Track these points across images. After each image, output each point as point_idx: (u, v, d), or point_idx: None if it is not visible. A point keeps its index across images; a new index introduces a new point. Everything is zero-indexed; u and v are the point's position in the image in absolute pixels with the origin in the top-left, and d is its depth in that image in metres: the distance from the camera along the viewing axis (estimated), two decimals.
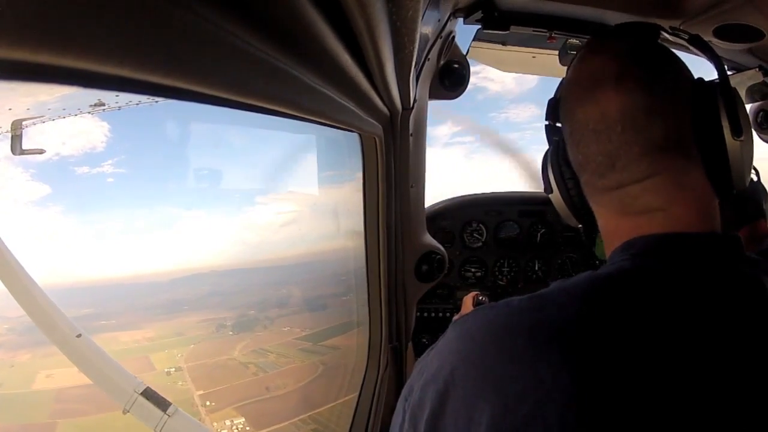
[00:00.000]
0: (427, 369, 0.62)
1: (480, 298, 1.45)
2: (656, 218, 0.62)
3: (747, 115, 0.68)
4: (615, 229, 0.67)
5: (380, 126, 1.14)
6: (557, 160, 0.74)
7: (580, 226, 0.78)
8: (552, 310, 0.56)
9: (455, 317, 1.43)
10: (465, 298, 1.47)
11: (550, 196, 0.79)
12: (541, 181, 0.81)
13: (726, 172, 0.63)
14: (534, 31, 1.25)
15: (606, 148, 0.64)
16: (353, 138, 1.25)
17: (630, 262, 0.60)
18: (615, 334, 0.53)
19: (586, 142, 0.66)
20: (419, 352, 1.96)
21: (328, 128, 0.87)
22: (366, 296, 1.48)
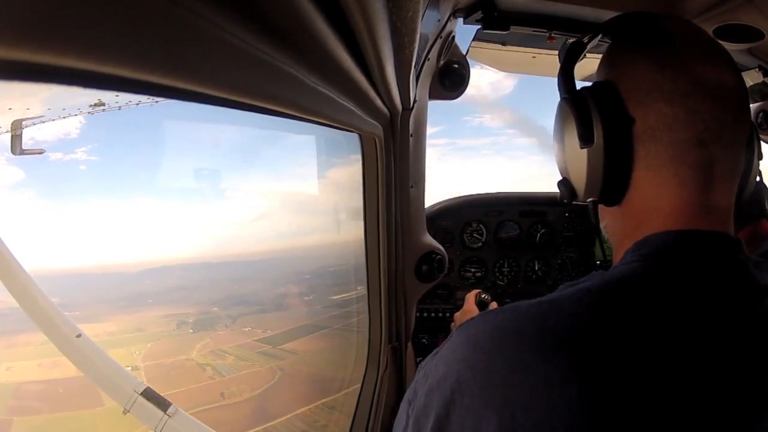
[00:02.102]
0: (431, 374, 0.60)
1: (483, 296, 1.45)
2: (701, 212, 0.59)
3: None
4: (653, 214, 0.60)
5: (380, 126, 1.14)
6: (609, 110, 0.61)
7: (590, 200, 0.66)
8: (561, 317, 0.54)
9: (456, 314, 1.44)
10: (467, 295, 1.47)
11: (582, 150, 0.63)
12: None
13: (745, 182, 0.65)
14: (534, 31, 1.25)
15: (719, 115, 0.57)
16: (333, 132, 1.25)
17: (642, 264, 0.58)
18: (625, 343, 0.52)
19: (694, 100, 0.57)
20: (419, 352, 1.96)
21: (316, 126, 0.86)
22: (361, 295, 1.48)
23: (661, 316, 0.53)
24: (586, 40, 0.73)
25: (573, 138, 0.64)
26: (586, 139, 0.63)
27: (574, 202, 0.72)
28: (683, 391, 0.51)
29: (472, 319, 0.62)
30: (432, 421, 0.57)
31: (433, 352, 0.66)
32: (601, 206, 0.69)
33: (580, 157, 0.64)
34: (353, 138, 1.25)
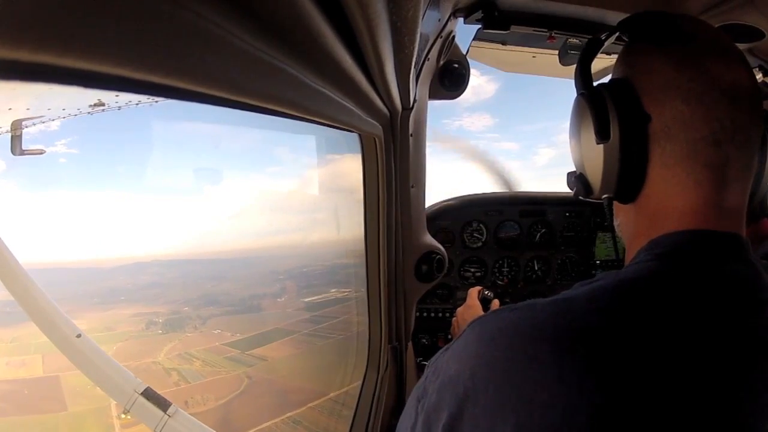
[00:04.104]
0: (443, 371, 0.59)
1: (486, 292, 1.47)
2: (714, 212, 0.59)
3: None
4: (667, 213, 0.60)
5: (380, 126, 1.14)
6: (626, 107, 0.61)
7: (605, 196, 0.67)
8: (577, 315, 0.54)
9: (459, 310, 1.44)
10: (470, 290, 1.49)
11: (599, 146, 0.64)
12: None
13: (759, 183, 0.65)
14: (534, 30, 1.25)
15: (735, 115, 0.57)
16: (333, 132, 1.24)
17: (656, 264, 0.58)
18: (640, 342, 0.52)
19: (710, 99, 0.57)
20: (419, 352, 1.96)
21: (316, 126, 0.85)
22: (365, 295, 1.48)
23: (676, 316, 0.53)
24: (603, 37, 0.73)
25: (589, 134, 0.65)
26: (602, 135, 0.63)
27: (589, 198, 0.72)
28: (695, 390, 0.51)
29: (484, 315, 0.61)
30: (444, 419, 0.56)
31: (444, 348, 0.65)
32: (615, 203, 0.69)
33: (596, 153, 0.65)
34: (353, 138, 1.26)
